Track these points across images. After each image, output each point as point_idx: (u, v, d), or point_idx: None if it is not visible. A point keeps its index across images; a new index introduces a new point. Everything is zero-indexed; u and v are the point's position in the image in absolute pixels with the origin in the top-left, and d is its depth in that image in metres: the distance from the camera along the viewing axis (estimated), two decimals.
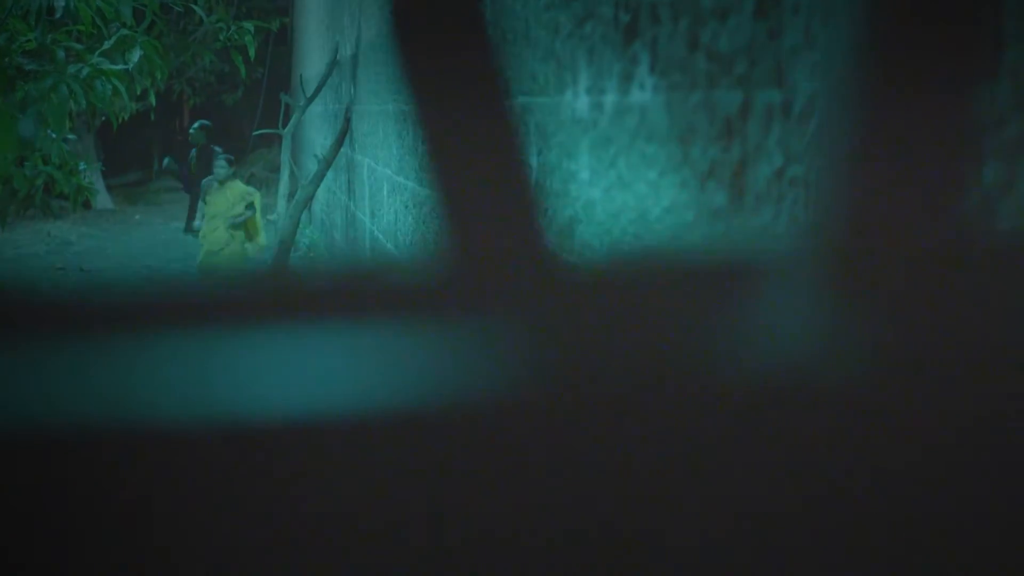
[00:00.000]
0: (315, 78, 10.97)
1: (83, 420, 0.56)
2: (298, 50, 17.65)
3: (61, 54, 6.86)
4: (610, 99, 2.80)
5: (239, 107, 20.87)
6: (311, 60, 14.11)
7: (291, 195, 10.51)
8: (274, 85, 18.62)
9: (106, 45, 6.90)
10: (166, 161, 14.15)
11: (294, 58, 18.20)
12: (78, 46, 6.92)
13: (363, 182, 8.98)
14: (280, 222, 10.43)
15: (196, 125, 13.15)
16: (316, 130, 12.73)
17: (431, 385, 0.62)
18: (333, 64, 10.57)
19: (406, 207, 6.53)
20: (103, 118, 20.06)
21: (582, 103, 3.01)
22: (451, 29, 0.67)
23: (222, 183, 10.71)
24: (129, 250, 15.79)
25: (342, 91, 10.24)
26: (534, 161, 3.10)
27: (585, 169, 2.91)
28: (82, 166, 9.83)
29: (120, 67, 6.76)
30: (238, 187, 10.82)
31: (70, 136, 10.04)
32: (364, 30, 8.65)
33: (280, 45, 20.21)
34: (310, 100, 10.12)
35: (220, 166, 10.71)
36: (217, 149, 12.73)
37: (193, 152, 13.69)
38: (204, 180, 10.94)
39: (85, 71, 6.74)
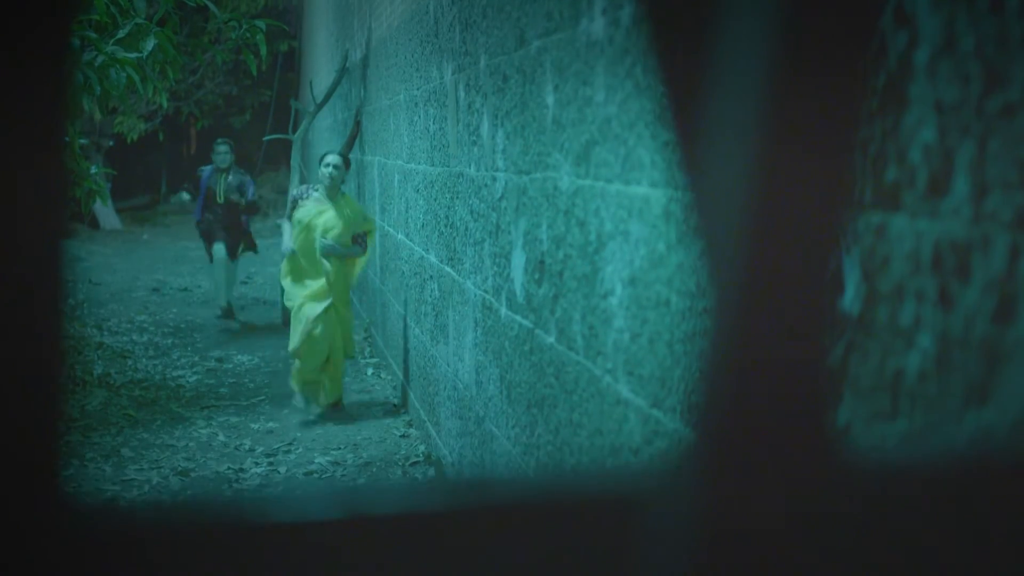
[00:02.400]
0: (325, 91, 11.03)
1: None
2: (305, 72, 17.73)
3: (76, 42, 6.91)
4: None
5: (246, 130, 20.93)
6: (320, 77, 14.19)
7: None
8: (282, 108, 18.71)
9: (120, 34, 6.94)
10: (183, 196, 11.52)
11: (302, 80, 18.28)
12: (92, 35, 6.97)
13: (373, 181, 9.02)
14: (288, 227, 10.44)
15: (221, 143, 11.03)
16: (326, 143, 12.79)
17: None
18: (343, 71, 10.63)
19: (417, 191, 6.57)
20: (111, 142, 20.17)
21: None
22: None
23: (333, 191, 7.32)
24: (137, 265, 15.84)
25: (352, 98, 10.29)
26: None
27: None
28: (93, 169, 9.88)
29: (134, 55, 6.81)
30: (353, 205, 7.49)
31: (82, 140, 10.10)
32: (375, 28, 8.71)
33: (288, 71, 20.33)
34: (320, 105, 10.17)
35: (329, 163, 7.34)
36: (243, 174, 11.24)
37: (207, 172, 11.13)
38: (296, 191, 7.60)
39: (100, 59, 6.78)
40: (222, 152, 10.97)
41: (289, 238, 7.46)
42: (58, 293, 0.52)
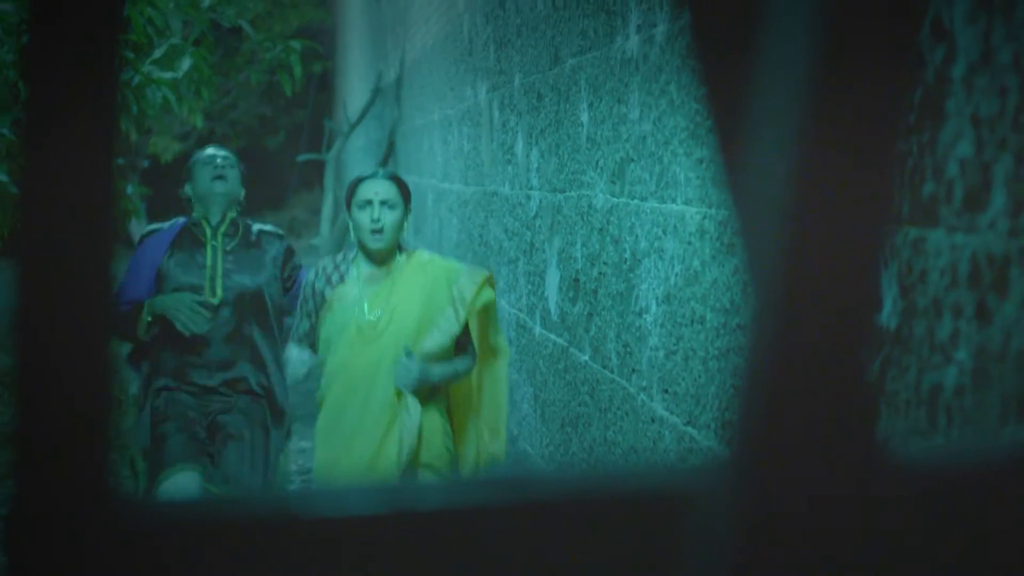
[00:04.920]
0: (359, 111, 11.08)
1: None
2: (339, 93, 17.82)
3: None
4: None
5: (280, 151, 21.05)
6: (354, 98, 14.27)
7: (334, 220, 10.58)
8: (316, 129, 18.81)
9: (156, 54, 7.01)
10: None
11: (336, 100, 18.39)
12: (129, 54, 7.03)
13: None
14: (323, 246, 10.49)
15: (221, 159, 4.25)
16: (359, 163, 12.86)
17: None
18: (377, 91, 10.68)
19: (450, 210, 6.59)
20: (147, 162, 20.31)
21: None
22: None
23: (384, 255, 3.68)
24: None
25: (385, 118, 10.34)
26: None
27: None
28: (129, 189, 9.95)
29: (170, 75, 6.87)
30: (431, 266, 3.73)
31: (119, 160, 10.18)
32: (408, 50, 8.75)
33: (322, 92, 20.45)
34: (354, 126, 10.24)
35: (368, 199, 3.63)
36: (266, 227, 4.40)
37: (165, 234, 4.28)
38: (315, 273, 3.81)
39: (136, 79, 6.84)
40: (219, 170, 4.24)
41: (300, 362, 3.99)
42: (104, 308, 0.53)
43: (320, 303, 3.73)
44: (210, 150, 4.32)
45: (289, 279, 4.29)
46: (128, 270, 4.28)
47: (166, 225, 4.27)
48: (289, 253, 4.33)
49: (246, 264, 4.18)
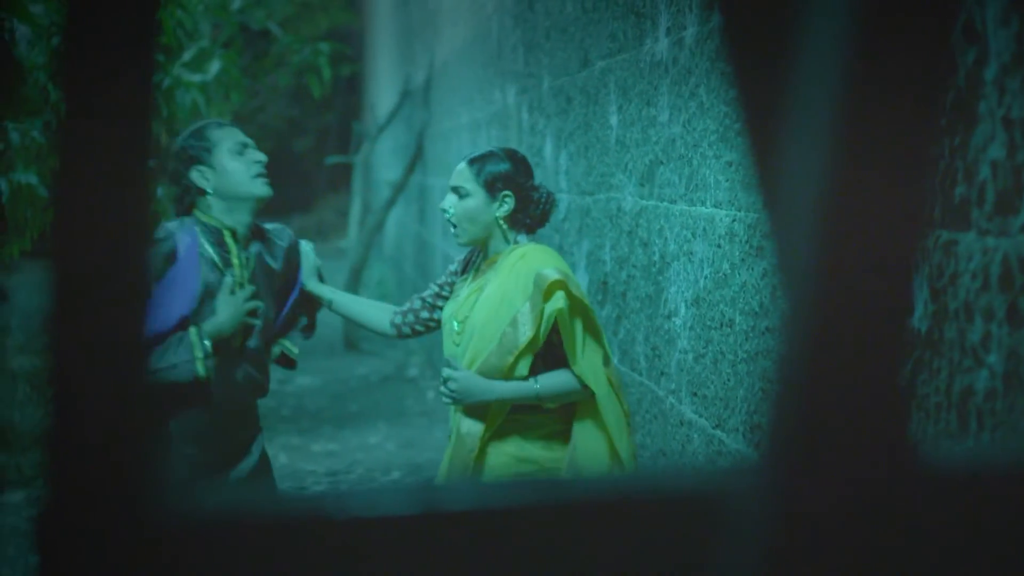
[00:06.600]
0: (387, 114, 11.09)
1: None
2: (368, 95, 17.85)
3: None
4: None
5: (308, 154, 21.12)
6: (382, 101, 14.29)
7: (362, 222, 10.59)
8: (344, 132, 18.84)
9: (186, 57, 7.03)
10: None
11: (364, 103, 18.42)
12: (160, 57, 7.03)
13: (435, 205, 9.07)
14: (351, 249, 10.52)
15: (236, 140, 2.99)
16: (387, 167, 12.87)
17: None
18: (405, 94, 10.70)
19: None
20: None
21: None
22: None
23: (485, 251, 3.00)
24: None
25: (414, 121, 10.36)
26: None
27: None
28: (160, 191, 9.99)
29: (199, 77, 6.89)
30: (522, 264, 2.87)
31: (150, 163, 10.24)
32: (438, 53, 8.76)
33: (350, 94, 20.50)
34: (382, 128, 10.24)
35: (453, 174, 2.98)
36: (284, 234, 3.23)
37: (187, 243, 2.91)
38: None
39: (166, 82, 6.86)
40: (262, 166, 3.00)
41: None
42: (140, 309, 0.53)
43: (449, 282, 3.16)
44: (233, 130, 3.04)
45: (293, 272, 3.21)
46: (174, 280, 2.85)
47: (177, 226, 2.90)
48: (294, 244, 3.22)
49: (268, 289, 3.08)
